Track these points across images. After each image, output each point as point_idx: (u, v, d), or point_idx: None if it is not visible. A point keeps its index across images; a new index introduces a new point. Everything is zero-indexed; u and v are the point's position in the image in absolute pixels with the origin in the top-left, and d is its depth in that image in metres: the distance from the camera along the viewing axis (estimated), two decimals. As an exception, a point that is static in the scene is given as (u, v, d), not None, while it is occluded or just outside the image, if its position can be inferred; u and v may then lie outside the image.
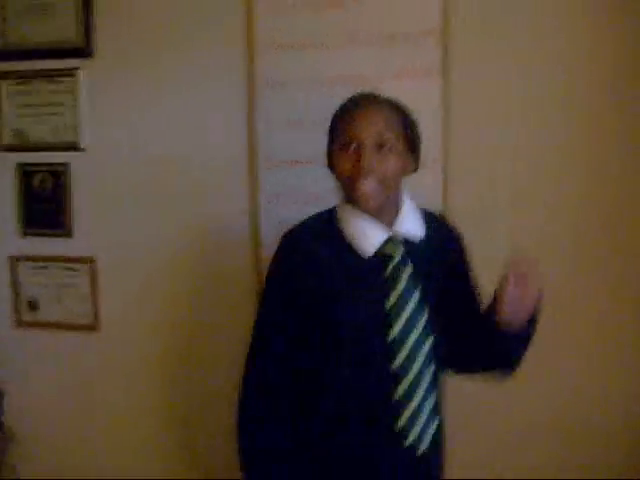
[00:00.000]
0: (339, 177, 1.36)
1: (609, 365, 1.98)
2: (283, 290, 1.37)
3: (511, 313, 1.26)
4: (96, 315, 2.19)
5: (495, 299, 1.29)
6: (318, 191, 1.99)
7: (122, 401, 2.22)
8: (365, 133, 1.30)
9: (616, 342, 1.97)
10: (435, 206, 1.92)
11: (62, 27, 2.09)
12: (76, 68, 2.10)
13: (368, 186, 1.30)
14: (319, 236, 1.38)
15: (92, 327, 2.19)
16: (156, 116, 2.10)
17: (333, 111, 1.44)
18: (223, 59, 2.04)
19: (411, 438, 1.34)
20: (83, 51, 2.09)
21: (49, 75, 2.12)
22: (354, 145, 1.31)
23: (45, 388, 2.27)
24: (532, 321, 1.32)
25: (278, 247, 1.40)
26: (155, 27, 2.07)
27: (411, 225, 1.39)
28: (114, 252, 2.17)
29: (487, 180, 1.97)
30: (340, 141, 1.34)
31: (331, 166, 1.42)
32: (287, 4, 1.99)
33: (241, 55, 2.03)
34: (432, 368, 1.38)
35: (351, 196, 1.34)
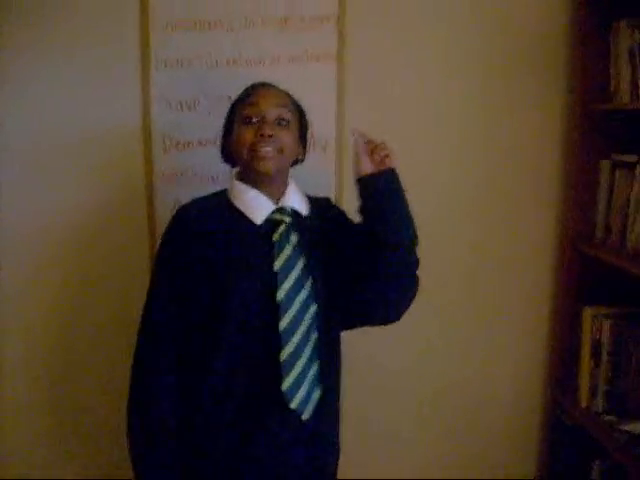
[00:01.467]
0: (239, 149, 1.42)
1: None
2: (173, 257, 1.42)
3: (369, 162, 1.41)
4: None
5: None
6: (213, 173, 2.00)
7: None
8: (268, 105, 1.42)
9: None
10: (329, 188, 2.01)
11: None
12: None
13: (268, 150, 1.39)
14: (211, 209, 1.47)
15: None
16: (52, 92, 2.02)
17: (229, 94, 1.52)
18: (118, 36, 2.00)
19: (295, 402, 1.40)
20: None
21: None
22: (256, 118, 1.41)
23: None
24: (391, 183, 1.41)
25: (171, 219, 1.47)
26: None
27: (297, 202, 1.50)
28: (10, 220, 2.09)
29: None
30: (243, 115, 1.43)
31: (225, 155, 1.54)
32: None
33: (136, 32, 1.99)
34: (315, 336, 1.45)
35: (250, 162, 1.41)
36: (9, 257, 2.10)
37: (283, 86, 1.51)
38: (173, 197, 2.02)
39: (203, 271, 1.39)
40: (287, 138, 1.43)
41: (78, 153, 2.05)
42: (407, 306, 1.50)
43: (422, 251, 2.05)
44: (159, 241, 1.49)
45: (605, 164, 1.97)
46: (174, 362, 1.41)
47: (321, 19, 1.99)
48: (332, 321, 1.50)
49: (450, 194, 2.12)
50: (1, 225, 2.07)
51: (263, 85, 1.49)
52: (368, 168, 1.40)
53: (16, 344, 2.14)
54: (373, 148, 1.41)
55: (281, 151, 1.41)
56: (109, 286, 2.12)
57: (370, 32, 2.02)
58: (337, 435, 1.58)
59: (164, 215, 1.95)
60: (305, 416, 1.42)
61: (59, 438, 2.20)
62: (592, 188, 2.00)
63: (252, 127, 1.41)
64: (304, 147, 1.55)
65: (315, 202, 1.57)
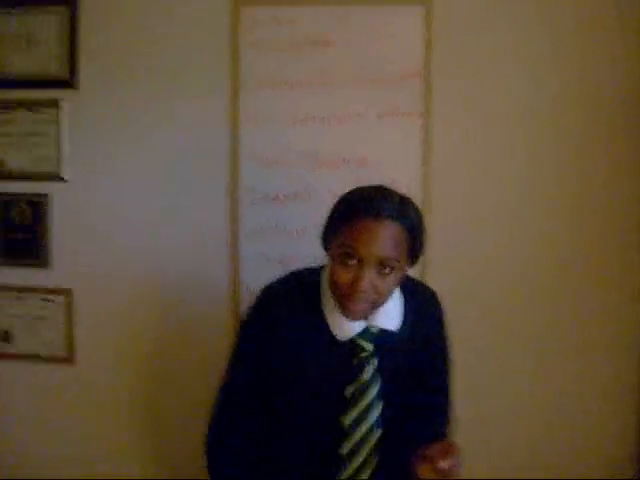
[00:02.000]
0: (333, 285, 1.29)
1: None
2: (254, 344, 1.38)
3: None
4: (71, 347, 2.15)
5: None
6: (298, 227, 2.02)
7: (97, 434, 2.19)
8: (369, 252, 1.22)
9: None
10: None
11: (46, 57, 2.09)
12: (59, 99, 2.09)
13: (359, 307, 1.27)
14: (298, 301, 1.37)
15: (67, 359, 2.15)
16: (137, 150, 2.10)
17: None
18: (206, 98, 2.06)
19: None
20: (67, 82, 2.08)
21: (32, 105, 2.10)
22: (354, 261, 1.24)
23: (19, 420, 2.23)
24: None
25: (257, 299, 1.41)
26: (138, 62, 2.08)
27: (388, 320, 1.37)
28: (91, 284, 2.14)
29: (467, 223, 2.04)
30: (340, 248, 1.26)
31: (325, 243, 1.37)
32: (273, 42, 2.02)
33: (225, 92, 2.05)
34: (376, 459, 1.39)
35: (340, 305, 1.30)
36: (93, 306, 2.16)
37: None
38: (258, 251, 2.05)
39: (277, 369, 1.35)
40: (386, 285, 1.25)
41: (167, 215, 2.11)
42: None
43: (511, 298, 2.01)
44: (244, 316, 1.44)
45: None
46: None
47: (407, 75, 1.99)
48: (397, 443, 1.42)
49: (538, 254, 2.05)
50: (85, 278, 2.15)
51: (371, 213, 1.23)
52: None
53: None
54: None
55: (375, 301, 1.27)
56: (190, 340, 2.13)
57: (455, 85, 2.01)
58: None
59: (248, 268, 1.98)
60: None
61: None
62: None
63: (349, 269, 1.24)
64: (415, 260, 1.34)
65: (414, 301, 1.42)
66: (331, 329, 1.34)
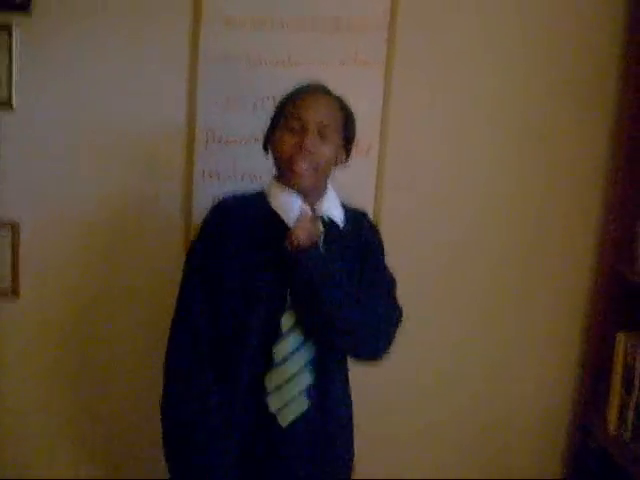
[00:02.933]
0: (278, 156, 1.45)
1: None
2: (208, 251, 1.44)
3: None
4: (15, 280, 2.11)
5: None
6: (255, 172, 2.01)
7: (41, 370, 2.17)
8: (311, 118, 1.41)
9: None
10: (369, 191, 2.00)
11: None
12: (11, 23, 2.00)
13: (303, 167, 1.40)
14: (249, 207, 1.49)
15: (12, 292, 2.11)
16: (93, 80, 2.04)
17: (278, 94, 1.52)
18: (167, 29, 2.02)
19: (275, 406, 1.43)
20: (19, 5, 1.99)
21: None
22: (299, 126, 1.41)
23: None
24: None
25: (210, 211, 1.50)
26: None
27: (332, 210, 1.50)
28: (38, 217, 2.10)
29: (421, 170, 2.08)
30: (285, 122, 1.44)
31: (266, 148, 1.53)
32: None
33: (186, 26, 2.01)
34: (312, 347, 1.46)
35: (286, 174, 1.44)
36: (39, 239, 2.11)
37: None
38: (212, 194, 2.02)
39: (234, 268, 1.42)
40: (327, 152, 1.43)
41: (120, 144, 2.06)
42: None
43: (456, 267, 2.08)
44: (195, 233, 1.51)
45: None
46: (209, 357, 1.44)
47: (371, 23, 1.99)
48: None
49: (486, 212, 2.11)
50: (37, 215, 2.10)
51: (311, 91, 1.48)
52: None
53: (36, 339, 2.16)
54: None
55: (318, 167, 1.42)
56: (140, 274, 2.12)
57: (420, 39, 2.02)
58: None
59: (202, 212, 1.96)
60: (283, 424, 1.44)
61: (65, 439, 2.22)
62: (634, 210, 1.97)
63: (293, 136, 1.41)
64: (348, 152, 1.54)
65: (352, 214, 1.56)
66: (282, 215, 1.43)
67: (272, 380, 1.42)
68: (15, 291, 2.12)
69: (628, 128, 1.97)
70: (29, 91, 2.04)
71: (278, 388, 1.42)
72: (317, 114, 1.41)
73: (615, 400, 1.96)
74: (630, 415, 1.90)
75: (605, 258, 2.05)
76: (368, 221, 1.63)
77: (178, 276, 1.50)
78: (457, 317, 2.15)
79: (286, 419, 1.43)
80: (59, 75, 2.04)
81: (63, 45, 2.03)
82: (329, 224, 1.48)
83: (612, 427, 1.96)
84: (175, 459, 1.44)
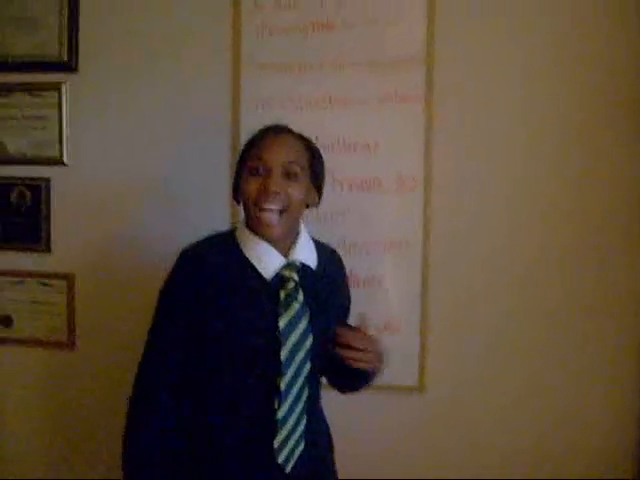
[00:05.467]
0: (245, 201, 1.40)
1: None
2: (178, 301, 1.37)
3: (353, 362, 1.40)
4: (71, 332, 2.15)
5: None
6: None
7: (100, 421, 2.18)
8: (275, 158, 1.36)
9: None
10: (415, 229, 1.98)
11: (47, 41, 2.08)
12: (60, 82, 2.08)
13: (273, 210, 1.35)
14: (220, 252, 1.41)
15: (68, 345, 2.15)
16: (138, 134, 2.10)
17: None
18: (207, 79, 2.06)
19: (281, 457, 1.39)
20: (67, 65, 2.08)
21: (32, 88, 2.10)
22: (262, 170, 1.36)
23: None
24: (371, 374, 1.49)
25: (175, 263, 1.41)
26: (139, 45, 2.08)
27: (306, 254, 1.46)
28: (92, 269, 2.14)
29: (465, 205, 2.03)
30: (249, 166, 1.39)
31: (237, 198, 1.48)
32: (275, 24, 2.02)
33: (226, 75, 2.04)
34: (306, 393, 1.43)
35: (254, 221, 1.38)
36: (94, 291, 2.14)
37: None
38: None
39: (209, 319, 1.35)
40: (295, 191, 1.37)
41: (162, 193, 2.09)
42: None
43: (513, 302, 2.02)
44: (164, 284, 1.42)
45: None
46: (174, 391, 1.39)
47: (409, 60, 1.99)
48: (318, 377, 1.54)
49: (547, 228, 2.03)
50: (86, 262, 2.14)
51: (273, 131, 1.43)
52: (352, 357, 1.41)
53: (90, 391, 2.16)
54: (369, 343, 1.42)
55: (286, 208, 1.37)
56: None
57: (457, 72, 2.00)
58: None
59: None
60: (287, 469, 1.41)
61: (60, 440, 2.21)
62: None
63: (258, 179, 1.36)
64: (319, 191, 1.49)
65: (323, 251, 1.53)
66: (258, 267, 1.38)
67: (278, 440, 1.39)
68: (71, 344, 2.15)
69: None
70: (79, 147, 2.10)
71: (284, 442, 1.39)
72: (281, 154, 1.36)
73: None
74: None
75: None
76: (336, 257, 1.61)
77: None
78: (531, 320, 2.05)
79: (290, 464, 1.41)
80: (105, 130, 2.10)
81: (110, 100, 2.10)
82: (302, 268, 1.44)
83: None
84: None
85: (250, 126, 1.96)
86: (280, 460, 1.39)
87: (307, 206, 1.47)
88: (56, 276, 2.14)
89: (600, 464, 2.08)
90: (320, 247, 1.53)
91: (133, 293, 2.12)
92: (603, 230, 2.02)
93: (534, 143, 2.01)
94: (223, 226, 2.03)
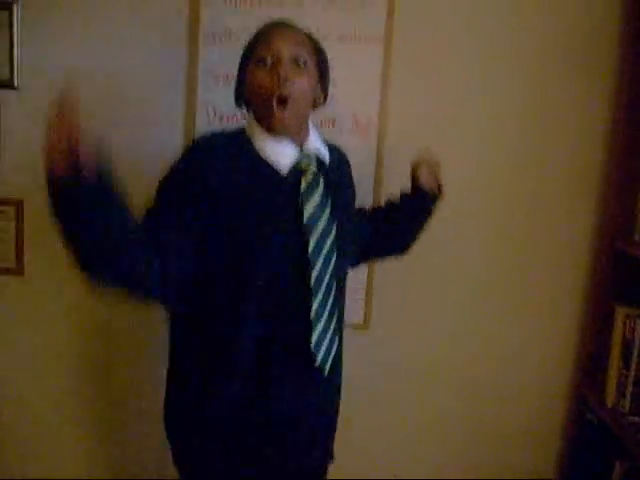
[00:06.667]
0: (255, 96, 1.36)
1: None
2: (186, 189, 1.28)
3: (425, 179, 1.63)
4: (20, 258, 2.13)
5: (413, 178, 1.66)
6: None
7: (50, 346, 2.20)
8: (283, 47, 1.33)
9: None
10: (370, 168, 2.04)
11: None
12: (12, 2, 2.00)
13: (283, 101, 1.32)
14: (232, 149, 1.36)
15: (16, 271, 2.14)
16: (92, 54, 2.04)
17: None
18: (166, 7, 2.02)
19: (319, 359, 1.38)
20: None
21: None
22: (271, 59, 1.33)
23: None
24: (434, 199, 1.67)
25: (185, 150, 1.36)
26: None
27: (319, 147, 1.45)
28: (41, 195, 2.09)
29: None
30: (257, 56, 1.35)
31: (239, 100, 1.45)
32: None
33: (185, 5, 2.01)
34: (334, 287, 1.41)
35: (266, 118, 1.35)
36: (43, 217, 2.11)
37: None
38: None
39: (221, 214, 1.28)
40: (304, 81, 1.34)
41: (117, 121, 2.04)
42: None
43: (457, 241, 2.10)
44: (165, 173, 1.33)
45: (649, 162, 1.95)
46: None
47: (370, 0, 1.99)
48: (345, 268, 1.52)
49: (486, 187, 2.12)
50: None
51: (278, 24, 1.40)
52: (424, 178, 1.64)
53: (41, 319, 2.17)
54: (434, 166, 1.65)
55: (296, 99, 1.33)
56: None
57: (419, 17, 2.02)
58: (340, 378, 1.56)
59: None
60: (326, 372, 1.42)
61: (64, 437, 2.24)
62: (633, 186, 1.98)
63: (267, 69, 1.33)
64: (325, 89, 1.47)
65: (332, 148, 1.53)
66: (270, 160, 1.36)
67: (314, 338, 1.35)
68: (19, 270, 2.14)
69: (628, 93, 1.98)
70: (31, 69, 2.04)
71: (320, 341, 1.37)
72: (288, 45, 1.33)
73: (613, 373, 1.98)
74: (628, 387, 1.93)
75: (605, 233, 2.07)
76: (343, 154, 1.61)
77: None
78: (453, 294, 2.17)
79: (327, 366, 1.40)
80: (59, 53, 2.04)
81: (63, 20, 2.03)
82: (318, 161, 1.43)
83: (610, 399, 1.98)
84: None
85: (207, 57, 1.99)
86: (318, 362, 1.37)
87: (314, 105, 1.45)
88: (4, 202, 2.10)
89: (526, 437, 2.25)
90: (329, 145, 1.52)
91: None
92: (548, 183, 2.12)
93: (490, 86, 2.07)
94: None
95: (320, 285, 1.36)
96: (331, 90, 1.95)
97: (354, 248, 1.57)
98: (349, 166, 1.63)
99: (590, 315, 2.12)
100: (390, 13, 1.99)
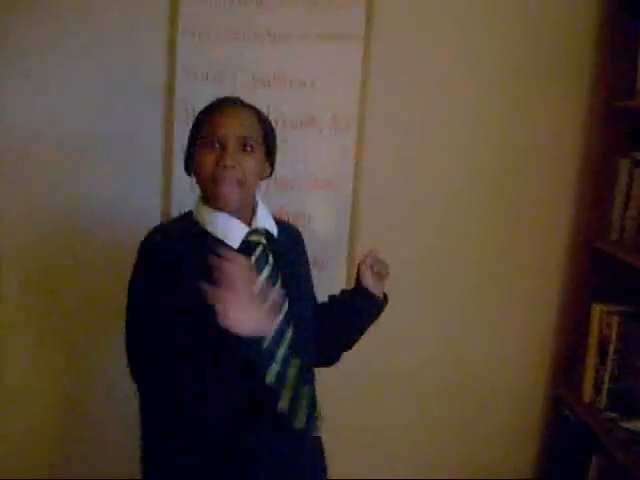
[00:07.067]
0: (200, 175, 1.37)
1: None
2: (148, 286, 1.33)
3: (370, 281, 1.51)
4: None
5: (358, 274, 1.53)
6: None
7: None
8: (230, 133, 1.34)
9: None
10: (348, 168, 2.04)
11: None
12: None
13: (228, 183, 1.33)
14: (180, 233, 1.39)
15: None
16: (64, 78, 1.99)
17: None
18: (143, 9, 1.98)
19: (299, 422, 1.37)
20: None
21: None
22: (218, 143, 1.34)
23: None
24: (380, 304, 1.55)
25: (138, 254, 1.37)
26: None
27: (267, 222, 1.45)
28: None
29: (397, 148, 2.09)
30: (204, 139, 1.36)
31: (189, 169, 1.45)
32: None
33: (163, 3, 1.97)
34: (297, 359, 1.39)
35: (212, 195, 1.36)
36: None
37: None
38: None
39: (184, 299, 1.26)
40: (251, 164, 1.36)
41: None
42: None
43: (436, 243, 2.10)
44: (131, 277, 1.37)
45: (624, 162, 1.97)
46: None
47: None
48: (306, 341, 1.47)
49: (466, 189, 2.13)
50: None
51: (226, 104, 1.40)
52: (369, 279, 1.51)
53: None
54: (380, 267, 1.51)
55: (242, 181, 1.34)
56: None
57: (398, 15, 2.02)
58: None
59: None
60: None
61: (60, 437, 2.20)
62: (610, 186, 2.00)
63: (213, 153, 1.34)
64: (272, 164, 1.48)
65: (280, 223, 1.53)
66: (221, 237, 1.37)
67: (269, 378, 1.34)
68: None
69: (604, 93, 2.02)
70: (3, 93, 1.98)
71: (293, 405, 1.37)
72: (235, 128, 1.34)
73: (590, 370, 2.00)
74: (605, 384, 1.95)
75: (580, 231, 2.10)
76: (296, 230, 1.61)
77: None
78: (433, 298, 2.18)
79: (302, 420, 1.38)
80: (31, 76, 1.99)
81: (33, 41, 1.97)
82: (266, 235, 1.43)
83: (587, 396, 2.00)
84: None
85: (186, 58, 1.98)
86: (298, 425, 1.36)
87: (261, 178, 1.45)
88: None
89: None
90: (280, 221, 1.53)
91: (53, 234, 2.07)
92: (527, 168, 2.14)
93: (471, 87, 2.08)
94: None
95: (273, 356, 1.35)
96: (311, 89, 2.01)
97: (313, 327, 1.52)
98: (303, 243, 1.61)
99: (567, 312, 2.15)
100: (370, 12, 1.99)
